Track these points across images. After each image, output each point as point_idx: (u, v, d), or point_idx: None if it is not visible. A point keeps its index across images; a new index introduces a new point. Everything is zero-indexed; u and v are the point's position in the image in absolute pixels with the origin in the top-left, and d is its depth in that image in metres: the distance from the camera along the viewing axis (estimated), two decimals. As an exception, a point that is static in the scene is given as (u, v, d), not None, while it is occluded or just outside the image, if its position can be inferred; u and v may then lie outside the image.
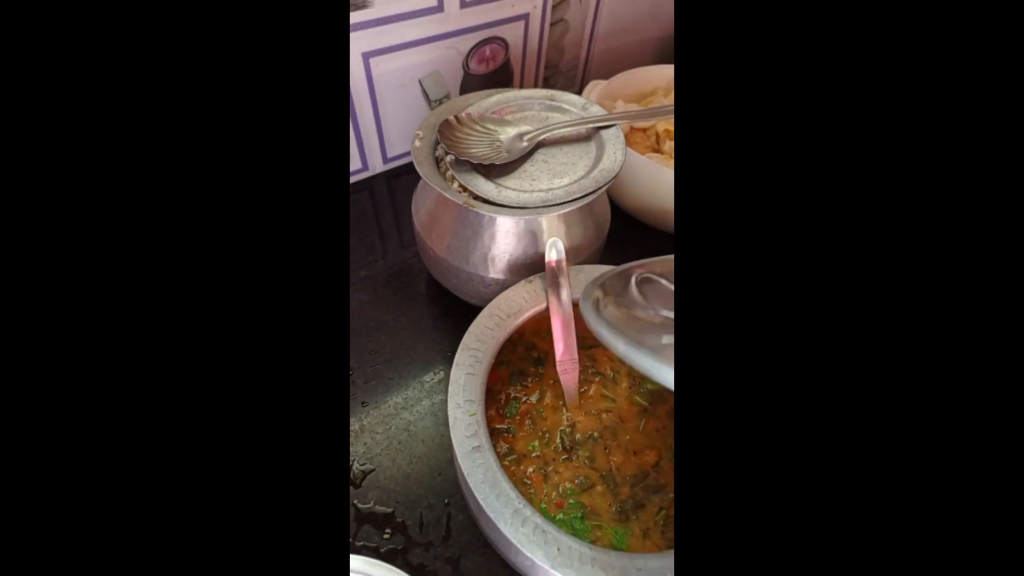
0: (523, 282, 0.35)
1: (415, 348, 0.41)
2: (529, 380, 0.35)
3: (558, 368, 0.33)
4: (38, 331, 0.13)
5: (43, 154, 0.13)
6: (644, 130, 0.50)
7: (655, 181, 0.43)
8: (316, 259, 0.16)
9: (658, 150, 0.47)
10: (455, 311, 0.43)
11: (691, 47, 0.15)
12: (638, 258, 0.47)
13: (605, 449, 0.32)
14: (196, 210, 0.15)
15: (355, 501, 0.33)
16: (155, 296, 0.14)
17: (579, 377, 0.34)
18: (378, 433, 0.36)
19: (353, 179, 0.53)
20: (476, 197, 0.34)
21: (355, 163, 0.52)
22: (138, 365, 0.14)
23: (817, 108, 0.14)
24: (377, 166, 0.54)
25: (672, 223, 0.46)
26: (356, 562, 0.25)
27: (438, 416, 0.37)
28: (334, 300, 0.16)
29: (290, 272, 0.15)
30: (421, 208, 0.39)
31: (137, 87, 0.14)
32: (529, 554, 0.24)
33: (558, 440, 0.33)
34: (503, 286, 0.36)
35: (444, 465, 0.35)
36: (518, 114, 0.40)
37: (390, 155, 0.54)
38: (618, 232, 0.48)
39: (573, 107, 0.40)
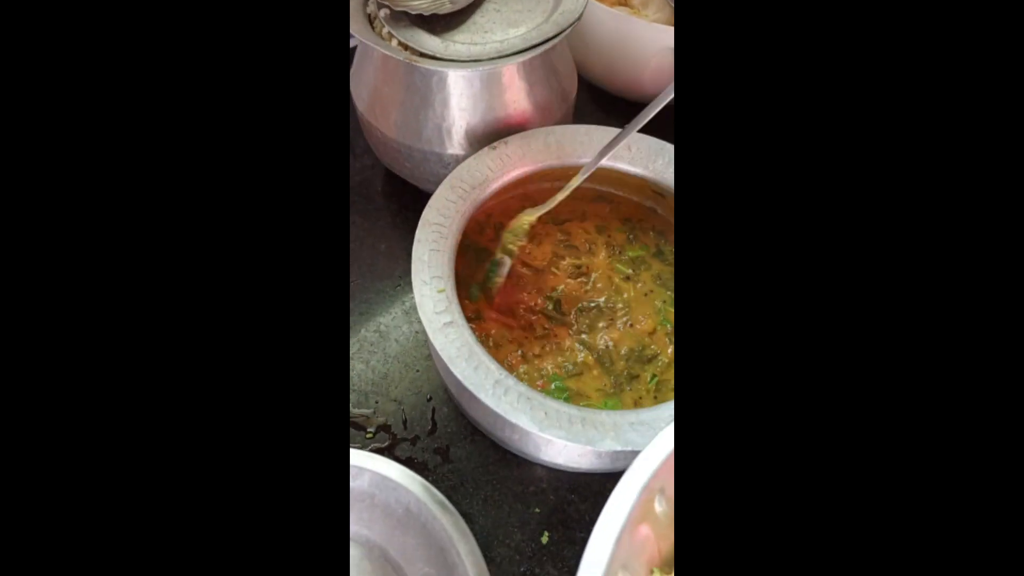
0: (486, 149, 0.31)
1: (376, 248, 0.38)
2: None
3: None
4: (35, 325, 0.13)
5: (42, 155, 0.14)
6: (608, -13, 0.44)
7: (623, 36, 0.38)
8: (315, 247, 0.15)
9: (625, 3, 0.42)
10: (415, 205, 0.39)
11: (691, 48, 0.15)
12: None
13: (601, 325, 0.30)
14: (187, 177, 0.14)
15: (329, 405, 0.31)
16: (153, 250, 0.14)
17: (552, 251, 0.31)
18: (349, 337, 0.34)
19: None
20: (421, 55, 0.29)
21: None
22: (130, 329, 0.14)
23: (818, 107, 0.14)
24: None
25: (643, 91, 0.42)
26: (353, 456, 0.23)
27: (410, 315, 0.35)
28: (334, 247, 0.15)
29: (289, 253, 0.15)
30: (360, 84, 0.34)
31: (135, 80, 0.14)
32: (515, 421, 0.22)
33: (550, 306, 0.31)
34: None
35: (421, 361, 0.33)
36: (461, -39, 0.34)
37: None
38: (586, 106, 0.44)
39: (524, -52, 0.34)
